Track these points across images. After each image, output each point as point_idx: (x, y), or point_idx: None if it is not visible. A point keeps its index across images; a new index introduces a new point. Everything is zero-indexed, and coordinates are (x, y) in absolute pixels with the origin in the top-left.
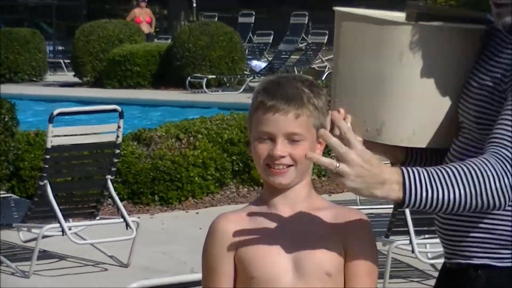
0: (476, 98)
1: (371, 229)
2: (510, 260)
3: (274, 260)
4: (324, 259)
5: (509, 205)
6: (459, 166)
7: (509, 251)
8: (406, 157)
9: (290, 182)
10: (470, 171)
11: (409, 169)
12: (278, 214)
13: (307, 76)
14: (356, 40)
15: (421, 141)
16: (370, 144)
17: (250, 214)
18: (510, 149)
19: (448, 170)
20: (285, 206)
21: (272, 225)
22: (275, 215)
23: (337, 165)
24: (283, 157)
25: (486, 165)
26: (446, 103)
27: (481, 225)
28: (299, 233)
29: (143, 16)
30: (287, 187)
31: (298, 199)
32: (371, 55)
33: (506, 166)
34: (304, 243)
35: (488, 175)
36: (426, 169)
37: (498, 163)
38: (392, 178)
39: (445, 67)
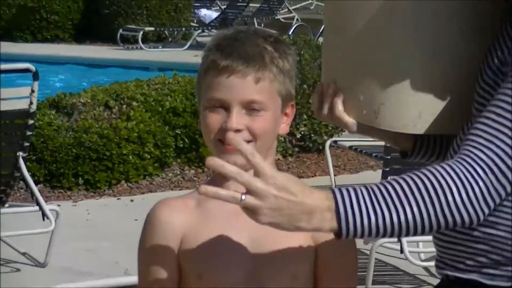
0: (482, 78)
1: None
2: (503, 279)
3: (227, 257)
4: (289, 258)
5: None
6: (412, 178)
7: (505, 268)
8: (414, 144)
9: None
10: (425, 184)
11: (343, 190)
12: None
13: (271, 31)
14: (355, 14)
15: (429, 126)
16: (369, 129)
17: (198, 201)
18: (485, 150)
19: (396, 185)
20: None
21: (225, 215)
22: (227, 204)
23: (243, 197)
24: (239, 130)
25: (449, 173)
26: (459, 79)
27: (475, 233)
28: (257, 227)
29: None
30: (243, 169)
31: None
32: (370, 24)
33: (476, 172)
34: (265, 238)
35: (449, 187)
36: (366, 187)
37: (466, 168)
38: (322, 205)
39: (458, 36)
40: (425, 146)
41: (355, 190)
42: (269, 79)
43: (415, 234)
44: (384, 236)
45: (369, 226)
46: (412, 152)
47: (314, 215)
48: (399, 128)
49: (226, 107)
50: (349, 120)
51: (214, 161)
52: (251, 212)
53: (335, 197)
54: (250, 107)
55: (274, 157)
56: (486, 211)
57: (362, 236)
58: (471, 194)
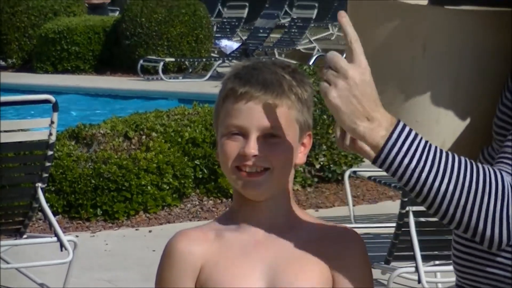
0: (502, 102)
1: (365, 251)
2: None
3: (244, 280)
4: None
5: None
6: (476, 164)
7: None
8: None
9: (265, 190)
10: (485, 176)
11: (408, 126)
12: (251, 232)
13: (289, 61)
14: (370, 26)
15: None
16: None
17: (217, 232)
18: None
19: (456, 158)
20: (259, 223)
21: (243, 245)
22: (247, 234)
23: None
24: (256, 156)
25: (507, 184)
26: (479, 112)
27: (498, 258)
28: (276, 256)
29: None
30: (261, 198)
31: (276, 213)
32: (388, 49)
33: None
34: (281, 268)
35: (504, 196)
36: (428, 141)
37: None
38: (382, 120)
39: (478, 60)
40: None
41: (417, 134)
42: (287, 106)
43: (436, 211)
44: (407, 187)
45: (405, 168)
46: None
47: (371, 124)
48: None
49: (244, 134)
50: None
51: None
52: (327, 85)
53: (397, 125)
54: (268, 134)
55: (291, 186)
56: None
57: (391, 170)
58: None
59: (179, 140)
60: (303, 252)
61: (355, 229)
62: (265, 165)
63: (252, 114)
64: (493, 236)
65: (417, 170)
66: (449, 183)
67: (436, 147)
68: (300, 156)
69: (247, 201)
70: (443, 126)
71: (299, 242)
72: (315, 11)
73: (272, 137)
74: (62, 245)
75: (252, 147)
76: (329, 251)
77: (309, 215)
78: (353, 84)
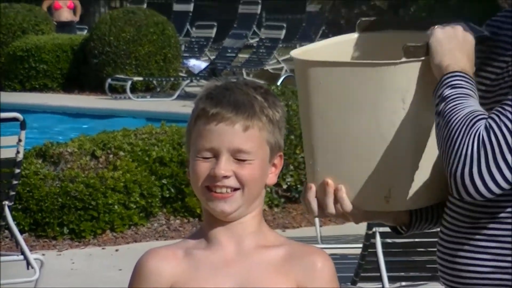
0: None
1: (333, 272)
2: None
3: None
4: None
5: None
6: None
7: None
8: (411, 218)
9: (235, 210)
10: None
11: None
12: (220, 252)
13: (261, 83)
14: (338, 93)
15: (433, 197)
16: (373, 214)
17: (186, 251)
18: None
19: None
20: (229, 242)
21: (213, 265)
22: (217, 253)
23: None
24: (226, 177)
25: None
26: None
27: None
28: (244, 277)
29: (63, 0)
30: (232, 218)
31: (245, 233)
32: (363, 108)
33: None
34: (249, 285)
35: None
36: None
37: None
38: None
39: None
40: (421, 215)
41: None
42: (258, 127)
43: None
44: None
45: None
46: (410, 224)
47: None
48: (409, 206)
49: (215, 155)
50: (356, 212)
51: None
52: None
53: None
54: (238, 155)
55: (261, 207)
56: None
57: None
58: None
59: (147, 159)
60: (272, 272)
61: (322, 249)
62: (235, 185)
63: (222, 135)
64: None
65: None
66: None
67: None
68: (271, 176)
69: (217, 220)
70: (425, 174)
71: (268, 262)
72: (283, 32)
73: (242, 158)
74: (28, 264)
75: (222, 168)
76: (297, 271)
77: (278, 235)
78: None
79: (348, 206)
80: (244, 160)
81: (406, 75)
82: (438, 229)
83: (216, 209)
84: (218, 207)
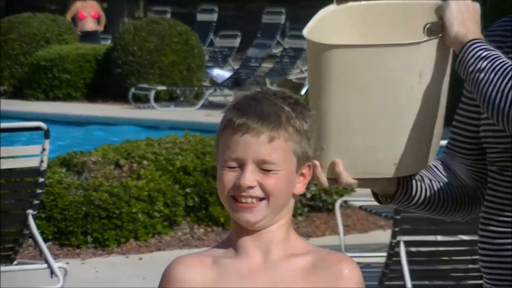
0: None
1: (361, 279)
2: None
3: None
4: None
5: None
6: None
7: None
8: (397, 189)
9: (260, 220)
10: None
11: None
12: (248, 261)
13: (291, 93)
14: (359, 74)
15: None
16: (362, 181)
17: (214, 259)
18: None
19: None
20: (256, 251)
21: (240, 274)
22: (244, 262)
23: None
24: (251, 187)
25: None
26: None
27: None
28: (273, 286)
29: (87, 10)
30: (258, 228)
31: (273, 242)
32: (383, 86)
33: None
34: None
35: None
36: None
37: None
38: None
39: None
40: (407, 187)
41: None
42: (284, 138)
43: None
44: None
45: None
46: (394, 195)
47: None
48: (414, 170)
49: (241, 165)
50: (352, 181)
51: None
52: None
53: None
54: (263, 165)
55: (290, 216)
56: None
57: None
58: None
59: (170, 168)
60: (298, 281)
61: None
62: (260, 195)
63: (248, 146)
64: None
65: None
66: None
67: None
68: (299, 186)
69: (244, 230)
70: (428, 143)
71: (295, 271)
72: None
73: (268, 169)
74: (52, 272)
75: (247, 179)
76: (324, 279)
77: (306, 243)
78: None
79: (324, 183)
80: (269, 171)
81: (425, 52)
82: (463, 237)
83: (241, 219)
84: (243, 217)
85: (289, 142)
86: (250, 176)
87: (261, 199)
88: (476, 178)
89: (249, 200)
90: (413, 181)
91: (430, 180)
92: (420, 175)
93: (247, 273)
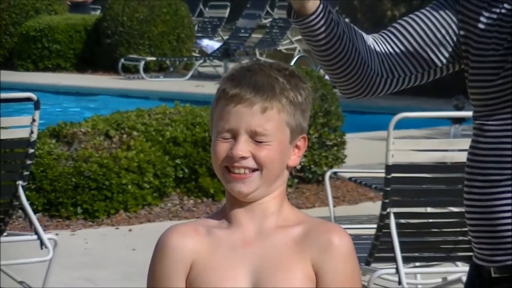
0: None
1: (351, 249)
2: None
3: (231, 280)
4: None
5: None
6: None
7: None
8: (317, 8)
9: (253, 191)
10: None
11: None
12: (240, 233)
13: (287, 65)
14: None
15: None
16: None
17: (208, 229)
18: None
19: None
20: (249, 223)
21: (232, 245)
22: (237, 234)
23: None
24: (244, 158)
25: None
26: None
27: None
28: (262, 257)
29: None
30: (251, 199)
31: (266, 214)
32: None
33: None
34: (266, 271)
35: None
36: None
37: None
38: None
39: None
40: (325, 13)
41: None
42: (277, 109)
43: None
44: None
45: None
46: (312, 14)
47: None
48: None
49: (234, 136)
50: None
51: None
52: None
53: None
54: (256, 136)
55: (284, 187)
56: None
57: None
58: None
59: (160, 139)
60: (287, 252)
61: None
62: (253, 166)
63: (241, 116)
64: None
65: None
66: None
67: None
68: (293, 158)
69: (238, 201)
70: None
71: (285, 242)
72: None
73: (260, 140)
74: (42, 243)
75: (240, 149)
76: (312, 249)
77: (300, 214)
78: None
79: None
80: (262, 142)
81: None
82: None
83: (234, 190)
84: (236, 187)
85: (282, 113)
86: (243, 147)
87: (254, 170)
88: (385, 66)
89: (242, 170)
90: (331, 15)
91: (344, 31)
92: (338, 21)
93: (239, 244)
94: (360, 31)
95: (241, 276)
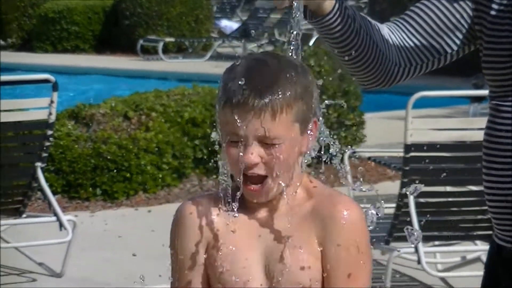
0: None
1: (358, 220)
2: None
3: (244, 264)
4: (297, 270)
5: None
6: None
7: None
8: (333, 7)
9: (270, 196)
10: None
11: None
12: (255, 213)
13: (287, 57)
14: None
15: None
16: None
17: (224, 207)
18: None
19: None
20: (263, 207)
21: (247, 225)
22: (252, 213)
23: None
24: (255, 164)
25: None
26: None
27: None
28: (275, 238)
29: None
30: (264, 201)
31: (280, 200)
32: None
33: None
34: (278, 251)
35: None
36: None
37: None
38: None
39: None
40: (341, 11)
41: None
42: (285, 110)
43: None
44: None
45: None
46: (328, 13)
47: None
48: None
49: (243, 140)
50: None
51: None
52: None
53: None
54: (266, 140)
55: (299, 171)
56: None
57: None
58: None
59: (179, 120)
60: (298, 230)
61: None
62: (263, 172)
63: (248, 123)
64: None
65: None
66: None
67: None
68: (306, 144)
69: None
70: None
71: (295, 221)
72: None
73: (272, 142)
74: (61, 225)
75: (250, 157)
76: (317, 225)
77: (316, 185)
78: None
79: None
80: (273, 144)
81: None
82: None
83: (250, 198)
84: (252, 197)
85: (290, 113)
86: (253, 154)
87: (264, 177)
88: (403, 55)
89: (254, 177)
90: (347, 11)
91: (360, 26)
92: (354, 16)
93: (254, 226)
94: (375, 21)
95: (253, 258)
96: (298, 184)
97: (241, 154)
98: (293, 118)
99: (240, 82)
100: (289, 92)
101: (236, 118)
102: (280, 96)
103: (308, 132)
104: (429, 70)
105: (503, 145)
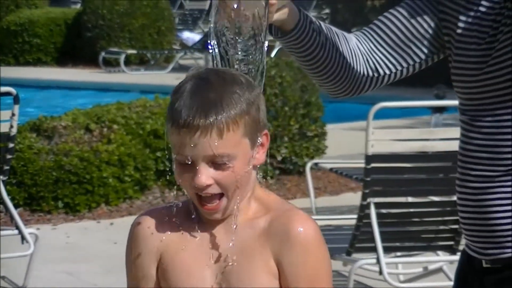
0: None
1: (314, 237)
2: None
3: (198, 281)
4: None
5: None
6: None
7: None
8: (298, 20)
9: (226, 212)
10: None
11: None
12: (209, 227)
13: (232, 71)
14: None
15: None
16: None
17: (177, 221)
18: None
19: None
20: (218, 221)
21: (201, 241)
22: (205, 229)
23: None
24: (208, 186)
25: None
26: None
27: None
28: (230, 254)
29: None
30: (220, 218)
31: (235, 214)
32: None
33: None
34: (233, 267)
35: None
36: None
37: None
38: None
39: None
40: (306, 24)
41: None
42: (232, 127)
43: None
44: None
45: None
46: (295, 27)
47: None
48: None
49: (193, 161)
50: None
51: None
52: None
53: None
54: (216, 160)
55: (252, 185)
56: None
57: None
58: None
59: (141, 132)
60: (253, 246)
61: (316, 220)
62: (218, 191)
63: (197, 145)
64: None
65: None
66: None
67: None
68: (258, 157)
69: None
70: None
71: (252, 235)
72: None
73: (222, 162)
74: (23, 238)
75: (202, 180)
76: (272, 242)
77: (272, 200)
78: None
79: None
80: (223, 163)
81: None
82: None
83: (208, 217)
84: (209, 215)
85: (238, 129)
86: (204, 176)
87: (220, 194)
88: (370, 65)
89: (209, 195)
90: (312, 25)
91: (326, 38)
92: (320, 30)
93: (207, 242)
94: (342, 32)
95: (207, 274)
96: (252, 194)
97: (193, 176)
98: (241, 134)
99: (184, 103)
100: (234, 109)
101: (183, 139)
102: (224, 114)
103: (259, 145)
104: (397, 79)
105: (478, 159)
